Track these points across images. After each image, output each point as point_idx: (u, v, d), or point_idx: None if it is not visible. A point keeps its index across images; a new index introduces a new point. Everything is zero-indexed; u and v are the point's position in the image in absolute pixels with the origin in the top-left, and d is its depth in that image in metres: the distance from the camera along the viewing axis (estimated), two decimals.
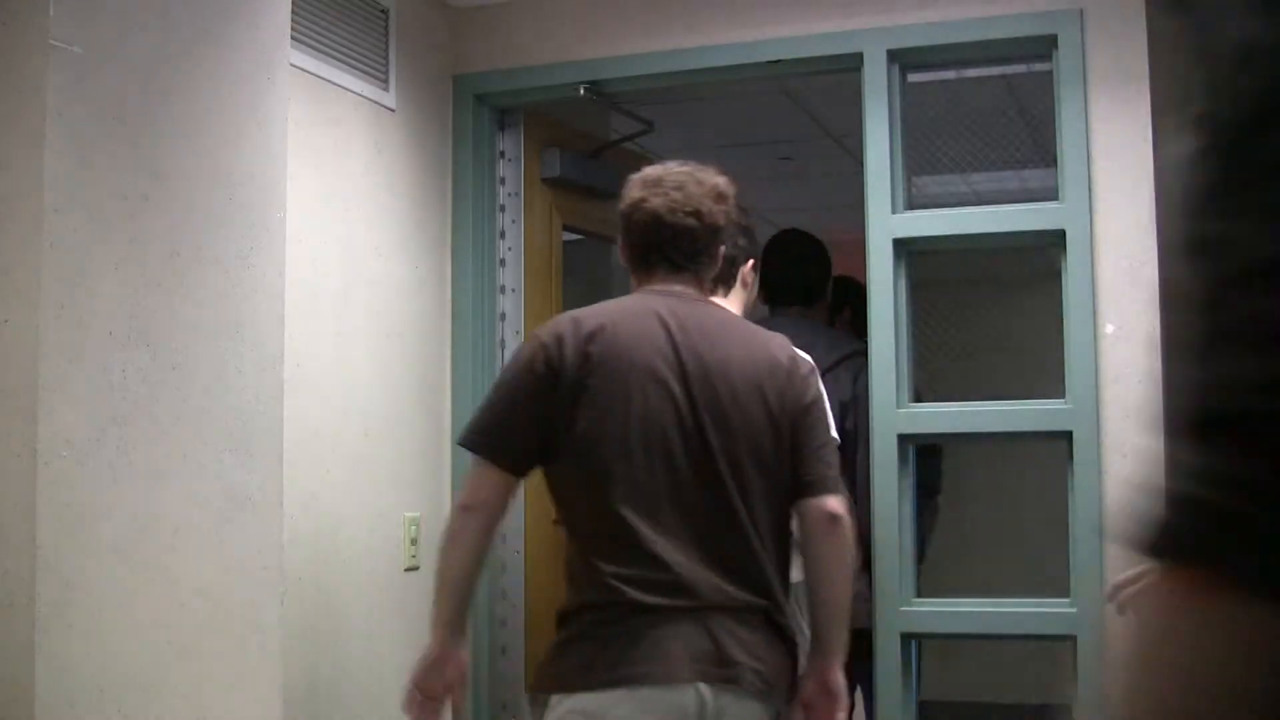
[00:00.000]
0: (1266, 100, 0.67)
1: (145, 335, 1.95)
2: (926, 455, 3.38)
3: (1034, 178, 4.36)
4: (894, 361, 3.05)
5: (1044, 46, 3.11)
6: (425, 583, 3.30)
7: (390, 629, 3.15)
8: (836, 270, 3.63)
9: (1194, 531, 0.68)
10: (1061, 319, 3.03)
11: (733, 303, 2.61)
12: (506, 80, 3.53)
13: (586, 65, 3.44)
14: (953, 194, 4.18)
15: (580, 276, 3.97)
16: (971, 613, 3.13)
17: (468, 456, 2.27)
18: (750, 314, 2.77)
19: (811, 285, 3.48)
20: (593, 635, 2.11)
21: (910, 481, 3.06)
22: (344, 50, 3.10)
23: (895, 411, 3.04)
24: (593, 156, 3.84)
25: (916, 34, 3.16)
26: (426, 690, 2.20)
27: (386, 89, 3.27)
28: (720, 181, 2.32)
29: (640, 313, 2.23)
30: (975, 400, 3.20)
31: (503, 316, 3.55)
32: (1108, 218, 3.01)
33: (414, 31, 3.40)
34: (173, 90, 2.04)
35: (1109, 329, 2.98)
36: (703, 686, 2.06)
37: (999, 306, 5.83)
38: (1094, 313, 2.98)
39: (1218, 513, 0.67)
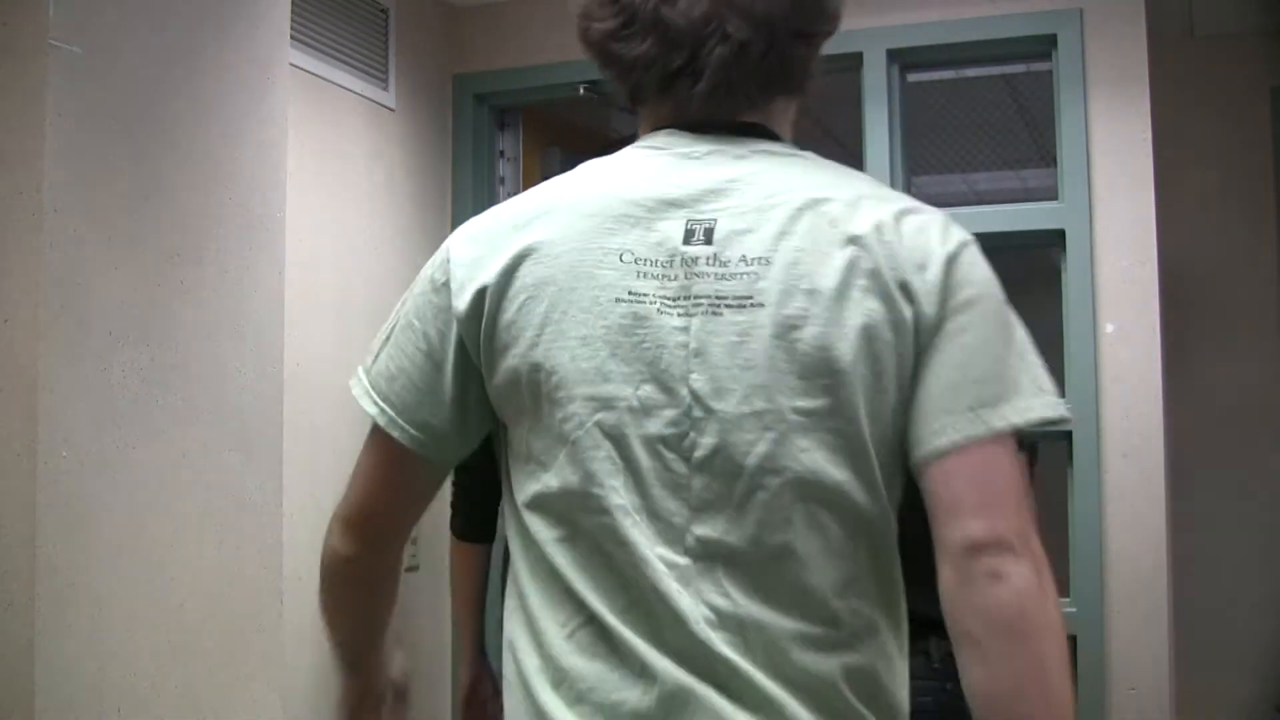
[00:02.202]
0: None
1: (145, 335, 1.95)
2: None
3: (1034, 177, 4.37)
4: None
5: (1044, 46, 3.11)
6: (425, 582, 3.30)
7: (389, 629, 3.14)
8: None
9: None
10: (1061, 319, 3.03)
11: None
12: (506, 80, 3.53)
13: (586, 65, 3.40)
14: (952, 194, 4.18)
15: None
16: None
17: None
18: None
19: None
20: None
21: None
22: (344, 50, 3.10)
23: None
24: (593, 156, 3.84)
25: (916, 34, 3.16)
26: None
27: (386, 89, 3.27)
28: None
29: None
30: None
31: None
32: (1108, 218, 3.01)
33: (414, 31, 3.40)
34: (173, 90, 2.03)
35: (1109, 329, 2.98)
36: None
37: None
38: (1094, 313, 2.98)
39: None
